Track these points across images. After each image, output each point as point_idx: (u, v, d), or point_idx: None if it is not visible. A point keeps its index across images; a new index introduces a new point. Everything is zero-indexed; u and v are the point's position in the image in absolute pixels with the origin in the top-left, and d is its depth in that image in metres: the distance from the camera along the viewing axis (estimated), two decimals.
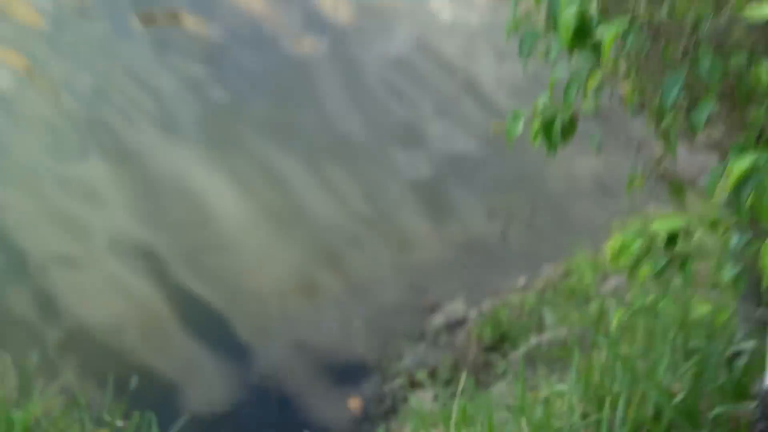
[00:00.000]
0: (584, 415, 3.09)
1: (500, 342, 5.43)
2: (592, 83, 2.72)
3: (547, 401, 3.32)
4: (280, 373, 5.38)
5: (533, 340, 5.05)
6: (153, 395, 4.50)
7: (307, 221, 6.62)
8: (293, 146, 7.32)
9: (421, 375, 5.38)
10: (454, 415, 3.35)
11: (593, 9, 2.48)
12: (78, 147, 6.99)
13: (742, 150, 2.27)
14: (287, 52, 8.50)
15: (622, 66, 2.72)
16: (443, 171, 7.27)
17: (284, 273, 6.03)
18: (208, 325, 5.59)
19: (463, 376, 3.45)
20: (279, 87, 8.09)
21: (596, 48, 2.48)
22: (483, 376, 5.04)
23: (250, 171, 7.01)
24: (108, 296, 5.62)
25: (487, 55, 8.50)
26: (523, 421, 3.18)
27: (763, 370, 2.45)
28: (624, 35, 2.41)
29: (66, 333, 5.42)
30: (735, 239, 2.90)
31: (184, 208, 6.49)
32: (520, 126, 2.84)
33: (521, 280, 6.20)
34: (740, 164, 2.15)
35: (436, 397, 4.87)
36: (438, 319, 5.87)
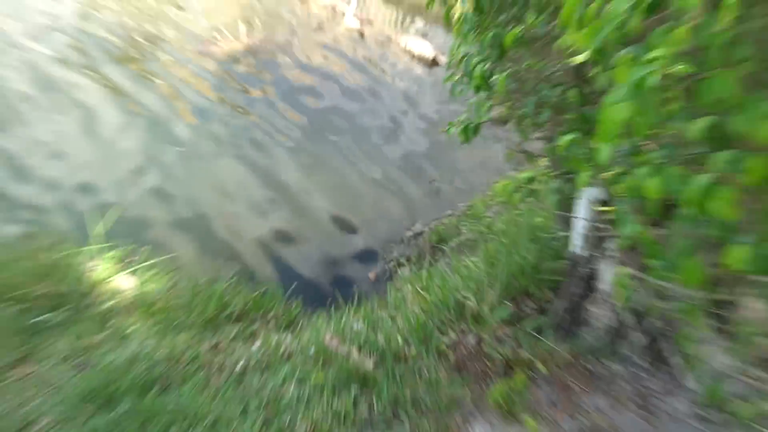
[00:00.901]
0: (486, 272, 4.15)
1: (441, 242, 6.64)
2: (486, 107, 3.53)
3: (467, 266, 4.36)
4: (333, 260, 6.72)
5: (457, 240, 6.29)
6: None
7: (347, 183, 7.75)
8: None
9: (403, 260, 6.74)
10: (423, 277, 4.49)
11: (489, 67, 3.15)
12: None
13: (565, 133, 2.73)
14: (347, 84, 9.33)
15: (503, 97, 3.49)
16: (411, 156, 8.43)
17: (329, 212, 7.29)
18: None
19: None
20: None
21: (490, 87, 3.18)
22: (433, 259, 6.22)
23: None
24: None
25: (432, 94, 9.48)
26: (457, 276, 4.24)
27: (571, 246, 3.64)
28: (505, 81, 3.09)
29: None
30: (556, 182, 3.75)
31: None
32: (453, 130, 3.61)
33: (449, 212, 7.59)
34: (565, 139, 2.64)
35: (411, 271, 6.19)
36: (410, 233, 7.30)
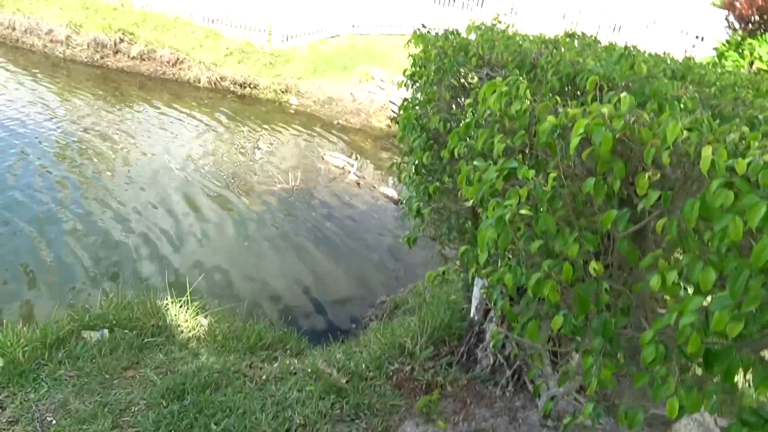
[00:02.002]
0: (418, 326, 4.09)
1: (396, 308, 6.42)
2: (420, 228, 3.52)
3: (408, 322, 4.28)
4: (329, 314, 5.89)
5: (405, 306, 6.14)
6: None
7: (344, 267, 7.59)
8: None
9: (373, 317, 6.53)
10: (381, 327, 4.39)
11: (421, 205, 3.18)
12: None
13: (463, 245, 3.24)
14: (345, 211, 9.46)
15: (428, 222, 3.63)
16: (382, 255, 8.36)
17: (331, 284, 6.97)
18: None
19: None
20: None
21: (422, 217, 3.19)
22: (390, 318, 6.08)
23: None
24: None
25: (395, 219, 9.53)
26: (401, 328, 4.15)
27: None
28: (429, 214, 3.20)
29: None
30: (462, 275, 3.94)
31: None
32: (402, 240, 3.63)
33: (402, 289, 7.31)
34: (461, 248, 2.75)
35: (377, 324, 5.99)
36: (378, 300, 6.95)
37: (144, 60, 13.30)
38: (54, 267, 6.30)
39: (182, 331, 4.59)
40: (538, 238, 1.97)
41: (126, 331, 4.36)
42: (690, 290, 1.68)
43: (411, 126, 3.00)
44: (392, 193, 9.87)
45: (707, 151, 1.55)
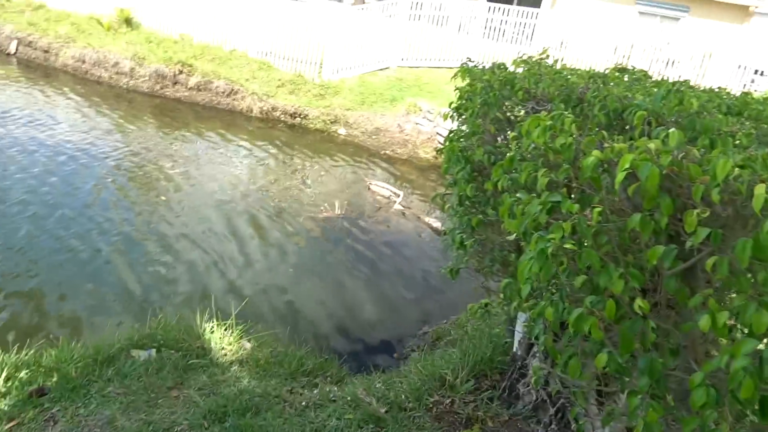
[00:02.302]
0: (460, 358, 4.04)
1: (438, 339, 6.33)
2: (463, 259, 3.56)
3: (449, 354, 4.23)
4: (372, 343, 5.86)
5: (447, 338, 6.04)
6: None
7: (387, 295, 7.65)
8: None
9: (415, 348, 6.40)
10: (422, 359, 4.33)
11: (465, 236, 3.27)
12: None
13: (506, 278, 3.16)
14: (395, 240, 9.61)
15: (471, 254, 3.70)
16: (427, 284, 8.34)
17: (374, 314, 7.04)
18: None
19: None
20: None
21: (465, 248, 3.26)
22: (432, 349, 6.02)
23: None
24: None
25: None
26: (442, 360, 4.10)
27: None
28: (472, 245, 3.29)
29: None
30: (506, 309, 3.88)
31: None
32: (444, 271, 3.66)
33: (444, 321, 7.20)
34: (503, 282, 3.09)
35: (419, 355, 5.86)
36: (420, 331, 6.90)
37: (200, 90, 13.89)
38: (109, 287, 6.56)
39: (225, 354, 4.67)
40: (581, 273, 1.94)
41: (172, 351, 4.48)
42: (745, 331, 1.63)
43: (456, 158, 3.02)
44: (437, 224, 9.85)
45: (760, 189, 1.51)
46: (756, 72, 14.28)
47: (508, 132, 2.92)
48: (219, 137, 12.37)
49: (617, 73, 3.98)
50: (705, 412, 1.60)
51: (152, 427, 3.45)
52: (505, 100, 2.91)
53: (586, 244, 1.87)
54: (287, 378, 4.46)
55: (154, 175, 9.94)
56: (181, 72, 13.83)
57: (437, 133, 13.16)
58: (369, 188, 11.01)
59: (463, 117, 3.57)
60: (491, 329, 4.78)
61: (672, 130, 1.91)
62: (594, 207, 1.95)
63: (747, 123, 2.90)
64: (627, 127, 2.53)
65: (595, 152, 1.95)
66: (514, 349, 3.75)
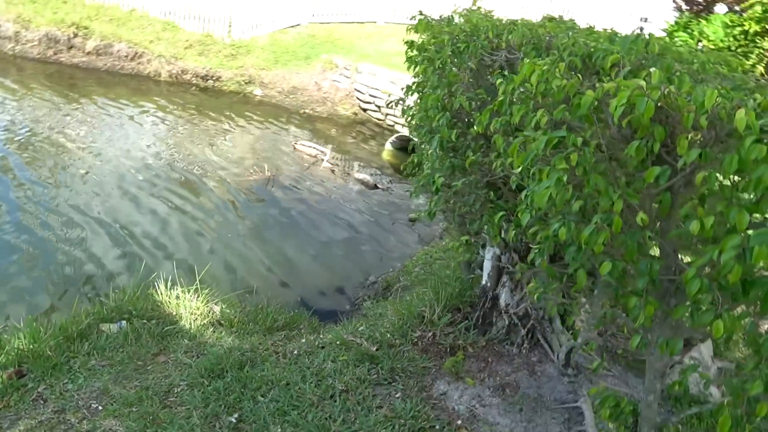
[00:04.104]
0: (432, 297, 4.35)
1: (388, 287, 6.62)
2: (439, 202, 3.97)
3: (419, 294, 4.52)
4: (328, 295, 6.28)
5: (398, 285, 6.37)
6: None
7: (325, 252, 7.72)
8: None
9: (365, 297, 6.64)
10: (395, 301, 4.60)
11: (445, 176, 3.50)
12: None
13: (494, 213, 3.51)
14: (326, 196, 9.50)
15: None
16: (362, 234, 8.57)
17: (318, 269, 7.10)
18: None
19: None
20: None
21: (439, 191, 3.72)
22: (384, 297, 6.27)
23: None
24: None
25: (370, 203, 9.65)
26: (416, 299, 4.39)
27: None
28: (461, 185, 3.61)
29: None
30: (464, 250, 4.26)
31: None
32: (423, 215, 3.87)
33: (390, 270, 7.53)
34: (497, 215, 3.47)
35: (371, 304, 6.14)
36: (368, 281, 7.21)
37: (100, 55, 12.95)
38: (45, 270, 6.23)
39: (196, 318, 4.69)
40: (580, 199, 2.26)
41: (144, 321, 4.44)
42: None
43: (435, 107, 3.24)
44: (368, 178, 10.07)
45: (741, 114, 1.85)
46: (641, 19, 15.55)
47: (485, 79, 3.15)
48: (126, 104, 11.65)
49: (548, 23, 4.30)
50: (699, 296, 1.97)
51: (151, 391, 3.48)
52: (482, 50, 3.12)
53: (590, 172, 2.17)
54: (265, 334, 4.59)
55: (62, 149, 9.32)
56: (75, 35, 12.79)
57: (355, 89, 13.21)
58: (295, 148, 10.96)
59: (426, 70, 3.71)
60: (446, 270, 5.12)
61: (653, 69, 2.23)
62: (589, 141, 2.25)
63: (677, 65, 3.32)
64: (596, 71, 2.84)
65: (589, 92, 2.24)
66: (484, 282, 4.08)
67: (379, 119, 13.06)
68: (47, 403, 3.43)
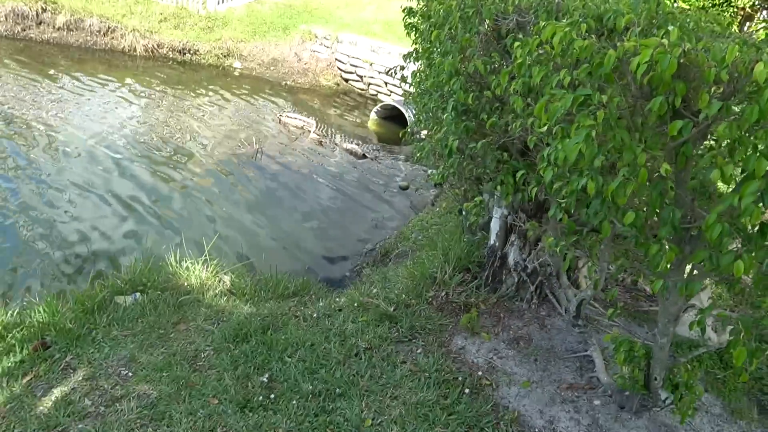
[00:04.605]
0: (441, 259, 4.50)
1: (387, 253, 6.75)
2: (453, 165, 4.06)
3: (429, 256, 4.66)
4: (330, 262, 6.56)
5: (396, 251, 6.47)
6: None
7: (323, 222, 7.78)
8: None
9: (364, 264, 6.67)
10: (406, 264, 4.74)
11: (460, 139, 3.75)
12: None
13: (509, 174, 3.76)
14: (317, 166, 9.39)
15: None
16: (356, 202, 8.64)
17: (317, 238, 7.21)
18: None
19: None
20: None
21: (452, 155, 3.83)
22: (384, 263, 6.38)
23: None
24: None
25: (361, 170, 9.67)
26: (425, 262, 4.54)
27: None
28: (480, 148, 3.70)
29: None
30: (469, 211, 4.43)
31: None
32: (436, 178, 4.19)
33: (387, 237, 7.67)
34: (519, 174, 3.51)
35: (371, 270, 6.16)
36: (365, 249, 7.33)
37: (71, 30, 12.62)
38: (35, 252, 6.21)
39: (208, 289, 4.77)
40: (602, 154, 2.40)
41: (158, 292, 4.51)
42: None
43: (449, 71, 3.32)
44: (356, 148, 10.13)
45: (761, 66, 2.00)
46: None
47: (503, 42, 3.23)
48: (102, 80, 11.43)
49: None
50: (722, 239, 2.15)
51: (179, 357, 3.59)
52: (498, 13, 3.20)
53: (615, 127, 2.31)
54: (278, 300, 4.70)
55: (40, 128, 9.14)
56: (44, 10, 12.42)
57: (336, 59, 13.14)
58: (280, 120, 10.92)
59: (435, 35, 3.77)
60: (446, 234, 5.26)
61: (671, 27, 2.36)
62: (612, 98, 2.39)
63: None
64: (606, 31, 2.96)
65: (611, 52, 2.36)
66: (492, 242, 4.24)
67: (362, 89, 13.05)
68: (77, 372, 3.51)
